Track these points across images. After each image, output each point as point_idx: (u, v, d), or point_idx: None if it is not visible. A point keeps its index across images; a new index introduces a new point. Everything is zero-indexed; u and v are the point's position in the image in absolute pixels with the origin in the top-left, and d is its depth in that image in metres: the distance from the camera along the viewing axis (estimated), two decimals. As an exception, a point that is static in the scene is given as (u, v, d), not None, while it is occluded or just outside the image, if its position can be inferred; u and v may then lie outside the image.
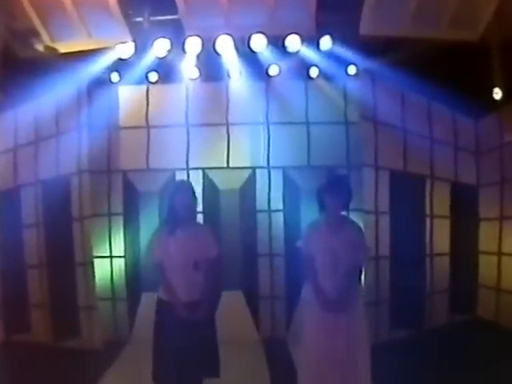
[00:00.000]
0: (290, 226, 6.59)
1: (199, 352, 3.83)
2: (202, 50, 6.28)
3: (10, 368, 5.49)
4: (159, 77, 6.63)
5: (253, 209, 6.78)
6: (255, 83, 6.73)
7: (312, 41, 6.30)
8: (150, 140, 6.75)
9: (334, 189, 3.90)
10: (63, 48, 6.51)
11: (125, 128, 6.74)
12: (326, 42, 6.27)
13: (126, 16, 6.23)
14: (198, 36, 6.18)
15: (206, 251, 3.95)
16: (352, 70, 6.51)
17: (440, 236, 7.08)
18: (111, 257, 6.71)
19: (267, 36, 6.17)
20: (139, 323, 6.54)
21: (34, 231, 6.72)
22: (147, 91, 6.80)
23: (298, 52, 6.33)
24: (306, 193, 6.43)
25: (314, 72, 6.60)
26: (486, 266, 7.18)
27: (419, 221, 6.97)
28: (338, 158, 6.53)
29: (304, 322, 4.05)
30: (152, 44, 6.24)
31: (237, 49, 6.34)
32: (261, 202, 6.76)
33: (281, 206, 6.76)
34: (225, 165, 6.79)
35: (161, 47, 6.24)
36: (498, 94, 6.71)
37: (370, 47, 6.31)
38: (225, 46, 6.23)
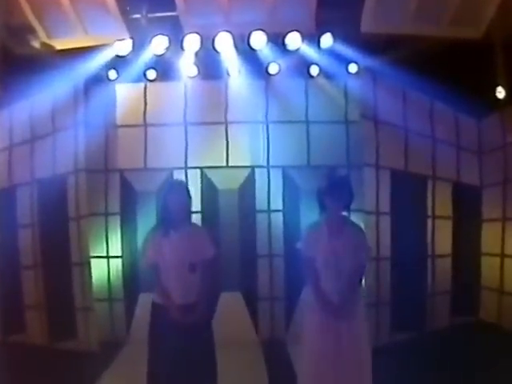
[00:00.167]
0: (290, 226, 6.56)
1: (195, 356, 3.76)
2: (200, 48, 6.22)
3: (5, 369, 5.43)
4: (157, 74, 6.58)
5: (252, 209, 6.74)
6: (255, 81, 6.70)
7: (312, 38, 6.24)
8: (148, 138, 6.72)
9: (335, 191, 3.83)
10: (60, 45, 6.43)
11: (122, 126, 6.71)
12: (326, 40, 6.22)
13: (124, 13, 6.16)
14: (197, 33, 6.12)
15: (201, 252, 3.89)
16: (353, 68, 6.47)
17: (442, 237, 7.04)
18: (108, 257, 6.67)
19: (267, 33, 6.11)
20: (136, 324, 6.49)
21: (30, 231, 6.67)
22: (145, 89, 6.76)
23: (298, 50, 6.27)
24: (306, 192, 6.40)
25: (314, 70, 6.56)
26: (489, 268, 7.13)
27: (421, 221, 6.93)
28: (339, 158, 6.49)
29: (304, 323, 4.00)
30: (150, 41, 6.19)
31: (236, 46, 6.28)
32: (260, 201, 6.72)
33: (280, 206, 6.73)
34: (224, 164, 6.76)
35: (159, 44, 6.19)
36: (501, 92, 6.62)
37: (371, 45, 6.25)
38: (224, 43, 6.17)
